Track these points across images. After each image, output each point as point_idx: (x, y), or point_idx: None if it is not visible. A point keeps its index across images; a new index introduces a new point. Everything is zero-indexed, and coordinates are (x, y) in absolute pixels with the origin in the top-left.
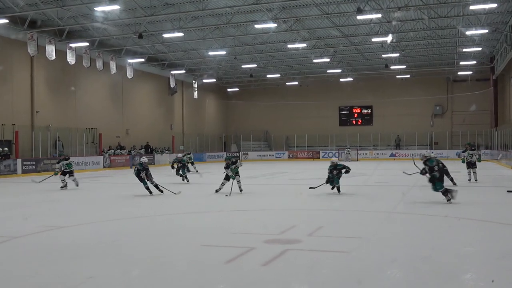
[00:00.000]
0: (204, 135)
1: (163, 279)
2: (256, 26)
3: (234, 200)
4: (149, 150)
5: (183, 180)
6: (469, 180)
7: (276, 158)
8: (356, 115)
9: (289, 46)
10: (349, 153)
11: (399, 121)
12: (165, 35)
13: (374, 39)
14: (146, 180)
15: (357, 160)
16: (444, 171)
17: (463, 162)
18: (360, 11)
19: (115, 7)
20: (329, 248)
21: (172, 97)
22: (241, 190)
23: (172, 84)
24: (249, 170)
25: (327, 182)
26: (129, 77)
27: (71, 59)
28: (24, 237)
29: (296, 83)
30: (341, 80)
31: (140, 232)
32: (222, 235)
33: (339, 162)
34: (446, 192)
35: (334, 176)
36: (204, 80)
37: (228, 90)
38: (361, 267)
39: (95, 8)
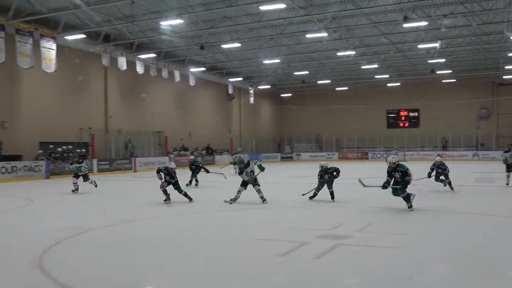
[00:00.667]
0: (259, 137)
1: (222, 269)
2: (307, 35)
3: (285, 197)
4: (209, 151)
5: (187, 184)
6: (507, 184)
7: (327, 158)
8: (403, 118)
9: (339, 54)
10: (397, 154)
11: (445, 123)
12: (224, 46)
13: (420, 46)
14: (172, 185)
15: (405, 161)
16: (444, 173)
17: (504, 163)
18: (406, 19)
19: (179, 21)
20: (378, 244)
21: (230, 102)
22: (264, 201)
23: (230, 91)
24: (301, 170)
25: (319, 187)
26: (192, 84)
27: (140, 69)
28: (101, 229)
29: (346, 88)
30: (388, 85)
31: (200, 227)
32: (276, 230)
33: (330, 166)
34: (407, 198)
35: (326, 180)
36: (260, 87)
37: (282, 95)
38: (410, 263)
39: (161, 23)
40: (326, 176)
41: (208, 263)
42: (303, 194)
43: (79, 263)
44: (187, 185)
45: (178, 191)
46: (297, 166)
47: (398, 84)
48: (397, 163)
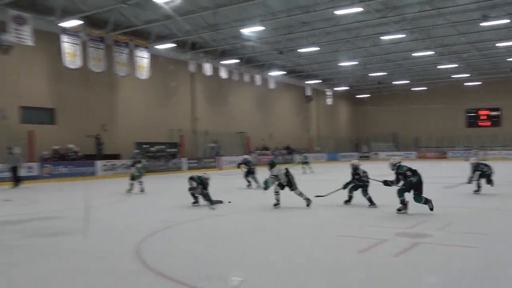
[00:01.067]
0: (337, 137)
1: (303, 263)
2: (382, 37)
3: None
4: (289, 151)
5: (247, 186)
6: None
7: (405, 158)
8: (483, 117)
9: (415, 54)
10: (477, 153)
11: None
12: (302, 50)
13: (499, 44)
14: (202, 195)
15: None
16: (486, 175)
17: None
18: (485, 18)
19: (260, 28)
20: (459, 243)
21: (309, 104)
22: (308, 204)
23: (309, 93)
24: (381, 169)
25: (344, 187)
26: (272, 87)
27: (223, 74)
28: (189, 222)
29: (423, 88)
30: (467, 84)
31: (281, 222)
32: (355, 227)
33: (360, 166)
34: (427, 202)
35: (356, 183)
36: (337, 88)
37: (359, 96)
38: (493, 263)
39: (242, 30)
40: (357, 177)
41: (290, 257)
42: (318, 196)
43: (172, 253)
44: (248, 186)
45: (209, 203)
46: (374, 165)
47: (478, 83)
48: (397, 164)
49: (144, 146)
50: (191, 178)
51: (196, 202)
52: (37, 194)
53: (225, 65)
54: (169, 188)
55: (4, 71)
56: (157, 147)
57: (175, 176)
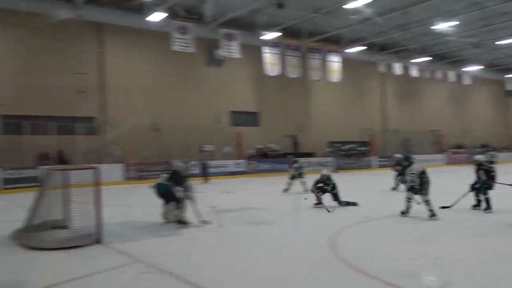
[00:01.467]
0: None
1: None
2: None
3: None
4: (487, 149)
5: (393, 188)
6: None
7: None
8: None
9: None
10: None
11: None
12: (501, 42)
13: None
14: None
15: None
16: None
17: None
18: None
19: (453, 23)
20: None
21: (509, 99)
22: (431, 216)
23: (508, 88)
24: None
25: (472, 189)
26: (467, 84)
27: (414, 72)
28: (381, 219)
29: None
30: None
31: (458, 222)
32: None
33: (485, 162)
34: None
35: (483, 180)
36: None
37: None
38: None
39: (432, 27)
40: (482, 173)
41: (490, 262)
42: (443, 207)
43: (362, 249)
44: (393, 188)
45: (339, 204)
46: None
47: None
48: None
49: (336, 144)
50: (318, 182)
51: (320, 203)
52: (248, 187)
53: (416, 63)
54: (354, 186)
55: (217, 82)
56: (348, 145)
57: (365, 173)
